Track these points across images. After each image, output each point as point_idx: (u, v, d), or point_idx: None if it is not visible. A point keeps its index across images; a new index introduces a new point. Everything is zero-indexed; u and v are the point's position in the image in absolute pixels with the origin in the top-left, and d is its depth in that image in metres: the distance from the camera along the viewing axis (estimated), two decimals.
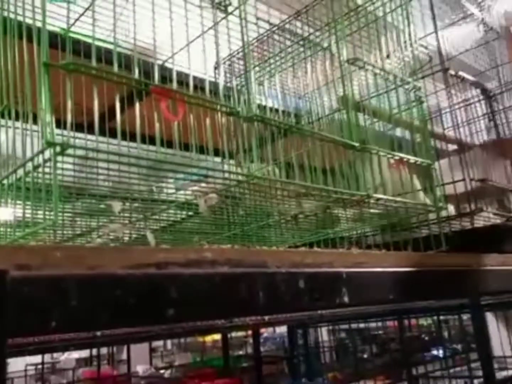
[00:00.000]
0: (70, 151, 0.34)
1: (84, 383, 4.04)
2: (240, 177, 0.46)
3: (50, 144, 0.33)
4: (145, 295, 0.35)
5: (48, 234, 0.57)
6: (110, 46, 0.69)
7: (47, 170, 0.39)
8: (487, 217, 0.87)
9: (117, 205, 0.50)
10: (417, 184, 0.73)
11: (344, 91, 0.62)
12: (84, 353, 5.05)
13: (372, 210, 0.64)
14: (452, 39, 1.15)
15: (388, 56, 0.88)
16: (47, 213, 0.38)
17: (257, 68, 1.10)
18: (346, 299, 0.49)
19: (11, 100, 0.40)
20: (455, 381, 2.61)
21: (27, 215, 0.38)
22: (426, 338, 5.27)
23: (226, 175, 0.46)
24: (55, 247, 0.32)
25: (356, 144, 0.59)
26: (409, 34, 0.82)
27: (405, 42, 1.11)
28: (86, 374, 4.25)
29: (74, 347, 1.47)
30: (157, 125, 0.41)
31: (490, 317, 3.34)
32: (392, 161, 0.66)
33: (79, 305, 0.31)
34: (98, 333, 1.28)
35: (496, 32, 1.21)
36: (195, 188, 0.51)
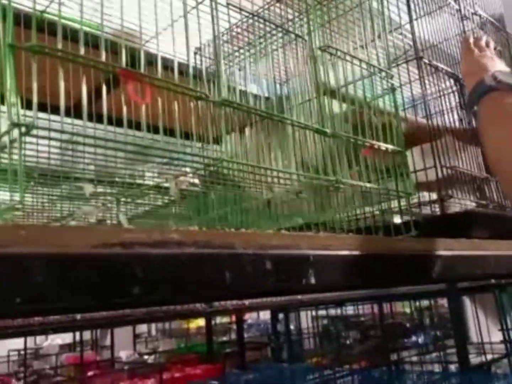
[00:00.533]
0: (34, 132, 0.34)
1: (67, 368, 4.04)
2: (207, 161, 0.47)
3: (15, 124, 0.34)
4: (110, 274, 0.36)
5: (20, 217, 0.58)
6: (87, 28, 0.69)
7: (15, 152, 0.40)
8: (459, 204, 0.89)
9: (88, 187, 0.51)
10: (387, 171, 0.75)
11: (316, 78, 0.63)
12: (68, 339, 5.05)
13: (340, 197, 0.66)
14: (430, 28, 1.16)
15: (364, 46, 0.89)
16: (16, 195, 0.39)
17: (237, 54, 1.10)
18: (313, 281, 0.50)
19: None
20: (431, 366, 2.67)
21: None
22: (408, 325, 5.37)
23: (196, 158, 0.47)
24: (20, 226, 0.32)
25: (327, 130, 0.60)
26: (384, 24, 0.83)
27: (382, 31, 1.12)
28: (69, 360, 4.26)
29: (53, 331, 1.48)
30: (124, 108, 0.41)
31: (468, 303, 3.42)
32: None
33: (43, 284, 0.32)
34: (79, 317, 1.29)
35: (472, 22, 1.22)
36: (166, 172, 0.52)
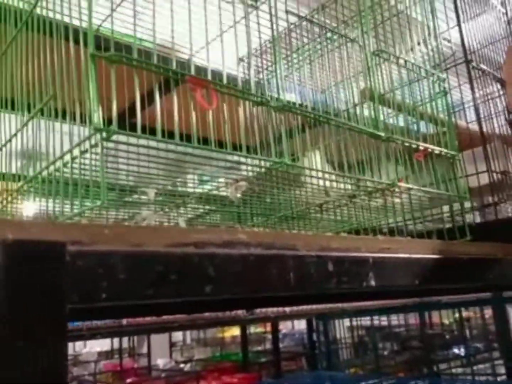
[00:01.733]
0: (114, 137, 0.36)
1: (105, 374, 4.12)
2: (269, 164, 0.48)
3: (98, 129, 0.35)
4: (185, 272, 0.37)
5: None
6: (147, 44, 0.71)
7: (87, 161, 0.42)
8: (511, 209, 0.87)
9: (151, 192, 0.53)
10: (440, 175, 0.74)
11: (370, 83, 0.63)
12: (106, 346, 5.14)
13: (397, 200, 0.65)
14: (474, 32, 1.15)
15: (412, 50, 0.89)
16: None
17: (283, 61, 1.12)
18: (372, 282, 0.50)
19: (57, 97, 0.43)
20: (478, 378, 2.59)
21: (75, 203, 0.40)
22: (448, 336, 5.22)
23: (256, 162, 0.48)
24: (104, 226, 0.34)
25: (382, 134, 0.60)
26: (433, 27, 0.83)
27: (429, 35, 1.11)
28: (107, 366, 4.33)
29: (101, 335, 1.52)
30: (193, 113, 0.43)
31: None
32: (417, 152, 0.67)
33: (125, 278, 0.34)
34: (125, 322, 1.32)
35: None
36: (224, 179, 0.53)
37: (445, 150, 0.69)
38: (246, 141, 0.48)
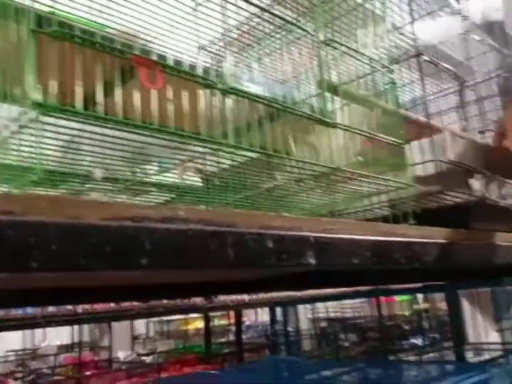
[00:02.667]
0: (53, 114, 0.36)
1: (65, 368, 4.05)
2: (214, 145, 0.49)
3: (37, 104, 0.35)
4: (120, 245, 0.38)
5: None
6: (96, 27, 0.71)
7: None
8: (455, 196, 0.91)
9: (97, 172, 0.53)
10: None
11: (320, 72, 0.65)
12: (66, 340, 5.06)
13: (345, 186, 0.68)
14: (432, 30, 1.19)
15: (367, 44, 0.91)
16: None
17: (245, 54, 1.12)
18: (312, 260, 0.52)
19: None
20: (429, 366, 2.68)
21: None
22: (407, 327, 5.39)
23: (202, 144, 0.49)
24: (39, 197, 0.34)
25: (328, 121, 0.62)
26: (386, 21, 0.86)
27: (386, 30, 1.14)
28: (67, 360, 4.27)
29: (55, 323, 1.50)
30: (137, 95, 0.43)
31: (466, 305, 3.44)
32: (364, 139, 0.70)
33: (57, 249, 0.34)
34: (80, 310, 1.30)
35: (474, 23, 1.25)
36: (173, 157, 0.53)
37: (391, 139, 0.72)
38: (191, 125, 0.48)
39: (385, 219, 0.78)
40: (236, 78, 1.06)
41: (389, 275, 1.24)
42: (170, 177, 0.90)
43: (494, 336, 2.31)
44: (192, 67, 0.48)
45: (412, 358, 3.32)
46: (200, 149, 0.50)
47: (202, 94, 0.51)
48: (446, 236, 0.72)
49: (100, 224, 0.37)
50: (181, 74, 0.45)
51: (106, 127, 0.51)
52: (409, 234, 0.64)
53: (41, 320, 1.35)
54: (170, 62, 0.44)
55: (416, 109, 1.14)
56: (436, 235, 0.70)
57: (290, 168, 0.60)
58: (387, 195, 0.78)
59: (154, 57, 0.46)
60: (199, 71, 0.47)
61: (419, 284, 1.47)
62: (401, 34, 1.17)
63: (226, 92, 0.49)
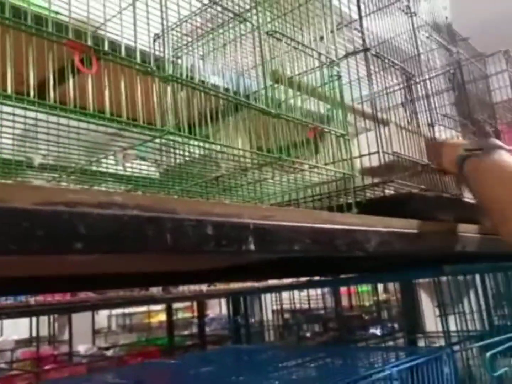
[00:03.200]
0: None
1: (23, 362, 3.96)
2: (155, 133, 0.50)
3: None
4: (53, 229, 0.38)
5: None
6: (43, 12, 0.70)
7: None
8: (400, 188, 0.94)
9: (37, 158, 0.53)
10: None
11: (263, 63, 0.66)
12: (24, 334, 4.94)
13: (286, 176, 0.70)
14: (380, 24, 1.22)
15: (322, 38, 0.93)
16: None
17: (199, 43, 1.12)
18: (252, 247, 0.54)
19: None
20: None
21: None
22: (366, 317, 5.52)
23: (142, 131, 0.50)
24: None
25: (272, 111, 0.64)
26: (332, 19, 0.88)
27: (338, 24, 1.17)
28: (25, 355, 4.17)
29: (7, 316, 1.46)
30: (71, 80, 0.43)
31: (424, 296, 3.57)
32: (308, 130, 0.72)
33: None
34: (33, 301, 1.28)
35: (422, 19, 1.29)
36: (114, 145, 0.54)
37: (334, 129, 0.74)
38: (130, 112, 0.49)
39: (330, 209, 0.81)
40: (193, 68, 1.07)
41: (340, 265, 1.27)
42: (127, 168, 0.90)
43: (451, 325, 2.40)
44: (129, 53, 0.48)
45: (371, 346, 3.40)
46: (140, 136, 0.51)
47: (140, 81, 0.52)
48: (386, 224, 0.75)
49: (31, 208, 0.37)
50: (117, 60, 0.46)
51: (58, 116, 0.51)
52: (349, 222, 0.67)
53: None
54: (105, 47, 0.45)
55: (367, 104, 1.17)
56: (376, 224, 0.73)
57: (234, 157, 0.61)
58: (332, 185, 0.81)
59: (90, 43, 0.47)
60: (136, 58, 0.48)
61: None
62: (354, 29, 1.20)
63: (165, 79, 0.50)
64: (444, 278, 1.33)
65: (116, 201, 0.43)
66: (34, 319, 3.96)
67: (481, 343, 1.22)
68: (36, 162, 0.53)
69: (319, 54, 0.75)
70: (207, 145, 0.56)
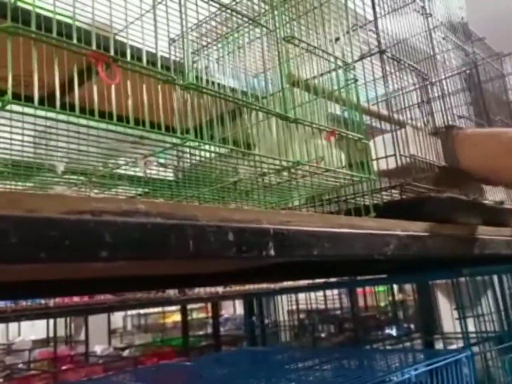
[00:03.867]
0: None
1: (40, 362, 4.01)
2: (175, 140, 0.51)
3: None
4: (79, 237, 0.39)
5: None
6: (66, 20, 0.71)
7: None
8: (418, 190, 0.94)
9: (60, 166, 0.54)
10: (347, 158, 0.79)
11: (280, 67, 0.66)
12: (41, 334, 5.01)
13: (304, 180, 0.70)
14: (396, 25, 1.22)
15: (337, 40, 0.93)
16: None
17: (211, 47, 1.13)
18: (272, 252, 0.54)
19: None
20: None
21: None
22: (382, 318, 5.49)
23: (161, 138, 0.51)
24: None
25: (290, 116, 0.64)
26: (348, 20, 0.88)
27: (353, 26, 1.16)
28: (42, 355, 4.23)
29: (26, 317, 1.49)
30: (95, 88, 0.44)
31: (441, 297, 3.54)
32: (325, 134, 0.72)
33: (17, 242, 0.35)
34: (52, 303, 1.30)
35: (437, 20, 1.28)
36: (135, 152, 0.55)
37: (352, 133, 0.74)
38: (151, 119, 0.50)
39: (347, 212, 0.81)
40: (209, 72, 1.07)
41: (357, 267, 1.27)
42: (142, 172, 0.91)
43: (469, 326, 2.37)
44: (152, 62, 0.49)
45: (387, 347, 3.39)
46: (161, 144, 0.51)
47: (161, 89, 0.52)
48: (405, 228, 0.75)
49: (58, 218, 0.38)
50: (139, 69, 0.46)
51: (79, 125, 0.52)
52: (367, 226, 0.67)
53: (10, 314, 1.34)
54: (128, 57, 0.46)
55: (382, 105, 1.17)
56: (394, 227, 0.72)
57: (253, 162, 0.61)
58: (349, 189, 0.81)
59: (113, 52, 0.47)
60: (158, 66, 0.49)
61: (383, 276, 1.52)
62: (369, 30, 1.19)
63: (186, 87, 0.51)
64: (462, 279, 1.33)
65: (140, 209, 0.44)
66: (51, 320, 4.01)
67: (500, 346, 1.20)
68: (59, 170, 0.54)
69: (335, 58, 0.75)
70: (225, 151, 0.57)
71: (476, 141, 1.13)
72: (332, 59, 0.75)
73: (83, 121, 0.46)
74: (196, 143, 0.52)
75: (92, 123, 0.44)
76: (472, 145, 1.11)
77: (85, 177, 0.69)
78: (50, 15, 0.47)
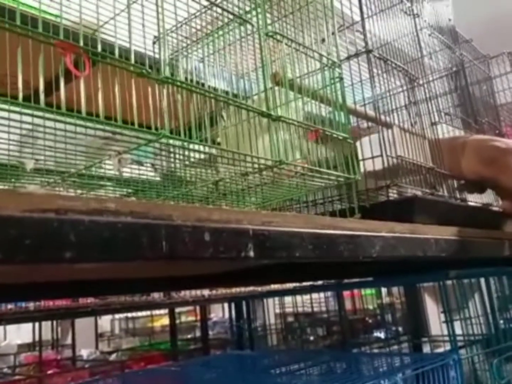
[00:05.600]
0: None
1: (26, 367, 3.95)
2: (150, 136, 0.49)
3: None
4: (41, 237, 0.37)
5: None
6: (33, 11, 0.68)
7: None
8: (405, 192, 0.93)
9: (29, 163, 0.51)
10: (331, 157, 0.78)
11: (263, 64, 0.65)
12: (27, 339, 4.93)
13: (288, 180, 0.68)
14: (383, 26, 1.21)
15: (323, 41, 0.92)
16: None
17: (199, 46, 1.11)
18: (251, 253, 0.52)
19: None
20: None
21: None
22: (370, 321, 5.49)
23: (134, 134, 0.48)
24: None
25: (272, 113, 0.62)
26: (333, 20, 0.86)
27: (340, 26, 1.15)
28: (28, 359, 4.17)
29: (6, 322, 1.45)
30: (62, 79, 0.42)
31: (429, 300, 3.54)
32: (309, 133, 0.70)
33: None
34: (32, 307, 1.27)
35: (425, 21, 1.27)
36: (108, 149, 0.52)
37: (336, 132, 0.72)
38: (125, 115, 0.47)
39: (332, 214, 0.79)
40: (195, 71, 1.05)
41: (343, 270, 1.26)
42: (127, 172, 0.88)
43: (456, 329, 2.36)
44: (126, 57, 0.47)
45: (375, 351, 3.38)
46: (135, 140, 0.49)
47: (135, 84, 0.50)
48: (390, 229, 0.73)
49: (18, 216, 0.36)
50: (110, 61, 0.44)
51: (51, 120, 0.50)
52: (352, 227, 0.65)
53: None
54: (98, 49, 0.43)
55: (369, 107, 1.16)
56: (380, 229, 0.71)
57: (234, 161, 0.59)
58: (334, 189, 0.79)
59: (82, 44, 0.45)
60: (132, 59, 0.47)
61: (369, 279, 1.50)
62: (356, 31, 1.18)
63: (160, 81, 0.49)
64: (449, 282, 1.31)
65: (109, 207, 0.42)
66: (37, 324, 3.95)
67: (488, 350, 1.19)
68: (28, 167, 0.51)
69: (320, 55, 0.74)
70: (206, 149, 0.55)
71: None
72: (317, 56, 0.73)
73: (50, 116, 0.43)
74: (173, 140, 0.50)
75: (60, 119, 0.42)
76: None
77: (60, 178, 0.66)
78: (14, 5, 0.45)
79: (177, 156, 0.60)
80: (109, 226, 0.41)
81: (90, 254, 0.39)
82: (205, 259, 0.48)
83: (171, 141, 0.51)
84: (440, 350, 2.83)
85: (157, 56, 1.19)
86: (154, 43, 1.27)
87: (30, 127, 0.54)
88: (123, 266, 0.58)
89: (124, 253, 0.41)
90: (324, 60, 0.76)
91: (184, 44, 1.10)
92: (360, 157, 0.92)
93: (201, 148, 0.55)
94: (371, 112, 0.96)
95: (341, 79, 0.77)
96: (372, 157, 0.89)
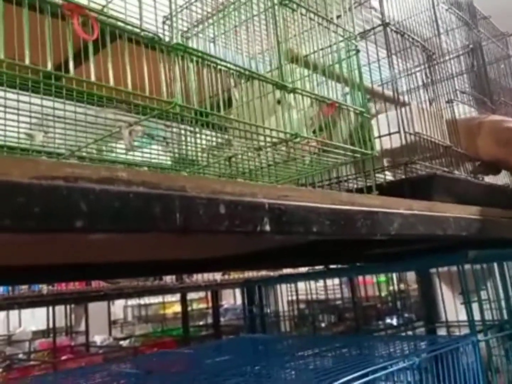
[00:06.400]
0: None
1: (41, 353, 4.00)
2: (163, 105, 0.47)
3: None
4: (51, 205, 0.35)
5: None
6: None
7: None
8: (422, 169, 0.90)
9: (38, 135, 0.50)
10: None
11: (276, 34, 0.62)
12: (41, 326, 4.99)
13: (303, 156, 0.66)
14: (403, 3, 1.17)
15: (339, 17, 0.89)
16: None
17: (210, 23, 1.08)
18: (267, 227, 0.50)
19: None
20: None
21: None
22: (383, 307, 5.47)
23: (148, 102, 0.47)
24: None
25: (288, 84, 0.60)
26: None
27: (356, 2, 1.12)
28: (42, 345, 4.22)
29: (19, 306, 1.46)
30: (69, 43, 0.40)
31: (444, 286, 3.51)
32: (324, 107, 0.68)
33: None
34: (45, 291, 1.27)
35: None
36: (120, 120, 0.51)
37: (353, 106, 0.70)
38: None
39: (349, 192, 0.77)
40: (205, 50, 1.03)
41: (357, 251, 1.23)
42: (139, 156, 0.87)
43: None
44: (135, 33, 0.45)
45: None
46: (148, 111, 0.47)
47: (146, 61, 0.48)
48: (409, 206, 0.71)
49: (27, 183, 0.34)
50: (119, 26, 0.42)
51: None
52: (370, 203, 0.63)
53: (1, 302, 1.31)
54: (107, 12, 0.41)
55: (387, 86, 1.12)
56: (398, 205, 0.68)
57: (246, 134, 0.57)
58: (351, 168, 0.77)
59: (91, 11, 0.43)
60: (141, 24, 0.45)
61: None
62: (370, 7, 1.15)
63: (173, 48, 0.47)
64: (467, 266, 1.29)
65: (121, 176, 0.40)
66: (51, 310, 3.99)
67: (506, 332, 1.17)
68: (37, 140, 0.50)
69: (337, 26, 0.71)
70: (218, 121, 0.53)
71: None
72: (333, 28, 0.71)
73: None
74: (185, 110, 0.48)
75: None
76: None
77: (72, 156, 0.65)
78: None
79: (188, 131, 0.58)
80: (121, 195, 0.39)
81: (102, 224, 0.38)
82: (221, 232, 0.46)
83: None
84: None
85: (167, 38, 1.17)
86: (164, 22, 1.25)
87: (39, 101, 0.53)
88: (136, 242, 0.57)
89: (137, 223, 0.40)
90: (340, 31, 0.73)
91: (195, 23, 1.08)
92: (376, 134, 0.89)
93: (215, 119, 0.53)
94: (388, 92, 0.93)
95: (357, 51, 0.74)
96: (390, 134, 0.86)
